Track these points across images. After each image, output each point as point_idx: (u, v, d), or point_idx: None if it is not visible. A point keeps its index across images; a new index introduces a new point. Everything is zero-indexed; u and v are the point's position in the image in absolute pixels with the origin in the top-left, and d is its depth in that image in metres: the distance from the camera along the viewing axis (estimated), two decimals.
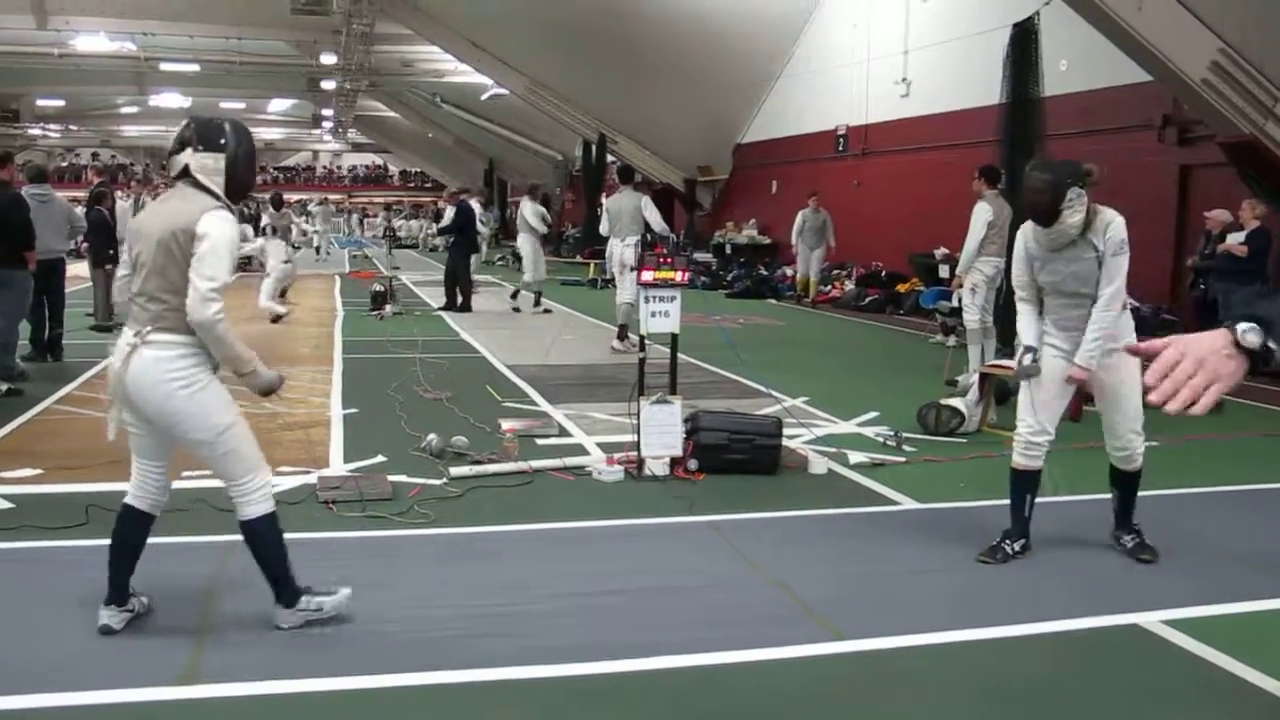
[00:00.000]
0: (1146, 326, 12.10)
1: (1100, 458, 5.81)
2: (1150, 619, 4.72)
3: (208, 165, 4.28)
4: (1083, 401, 8.01)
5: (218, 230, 4.15)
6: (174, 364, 4.16)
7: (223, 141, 4.31)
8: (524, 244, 18.19)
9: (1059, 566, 5.47)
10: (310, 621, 4.46)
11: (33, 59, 33.23)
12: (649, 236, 12.43)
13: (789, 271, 23.38)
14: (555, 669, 4.15)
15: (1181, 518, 6.40)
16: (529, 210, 18.25)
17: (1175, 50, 12.60)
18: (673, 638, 4.46)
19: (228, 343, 4.21)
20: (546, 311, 17.73)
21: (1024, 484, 5.55)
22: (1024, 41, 13.14)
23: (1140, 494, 5.70)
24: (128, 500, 4.45)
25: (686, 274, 7.16)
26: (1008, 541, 5.53)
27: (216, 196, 4.28)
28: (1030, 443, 5.48)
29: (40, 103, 46.15)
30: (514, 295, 18.32)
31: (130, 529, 4.43)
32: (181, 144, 4.32)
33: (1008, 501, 5.60)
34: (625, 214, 13.31)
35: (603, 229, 14.02)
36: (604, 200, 15.83)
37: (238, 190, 4.39)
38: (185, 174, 4.31)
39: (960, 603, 4.97)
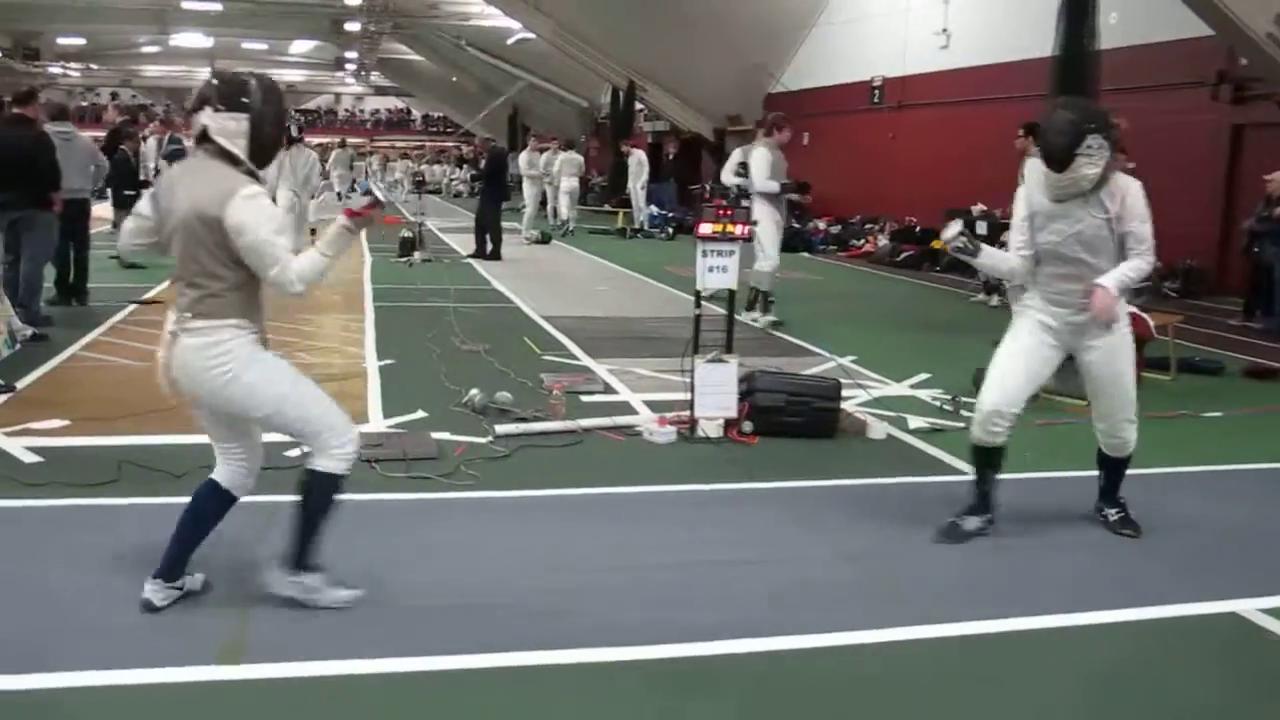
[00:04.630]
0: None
1: (1193, 425, 5.46)
2: (1248, 606, 4.41)
3: (229, 127, 3.80)
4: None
5: (250, 218, 3.74)
6: (216, 350, 3.82)
7: (245, 100, 3.82)
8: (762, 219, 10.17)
9: (1147, 546, 5.12)
10: (294, 600, 4.08)
11: None
12: (708, 188, 11.54)
13: (821, 225, 22.91)
14: (617, 652, 3.86)
15: None
16: (761, 162, 10.99)
17: (1239, 2, 12.14)
18: (742, 618, 4.17)
19: (328, 269, 3.88)
20: (778, 324, 11.16)
21: (984, 459, 5.19)
22: None
23: (1225, 467, 5.35)
24: (213, 475, 4.11)
25: (747, 229, 6.82)
26: (967, 517, 5.15)
27: (238, 162, 3.84)
28: (992, 416, 5.05)
29: (61, 41, 45.71)
30: (763, 306, 11.38)
31: (207, 504, 4.09)
32: (201, 101, 3.84)
33: (1078, 473, 5.26)
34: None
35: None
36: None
37: (263, 154, 3.90)
38: (206, 136, 3.86)
39: (1052, 585, 4.64)
